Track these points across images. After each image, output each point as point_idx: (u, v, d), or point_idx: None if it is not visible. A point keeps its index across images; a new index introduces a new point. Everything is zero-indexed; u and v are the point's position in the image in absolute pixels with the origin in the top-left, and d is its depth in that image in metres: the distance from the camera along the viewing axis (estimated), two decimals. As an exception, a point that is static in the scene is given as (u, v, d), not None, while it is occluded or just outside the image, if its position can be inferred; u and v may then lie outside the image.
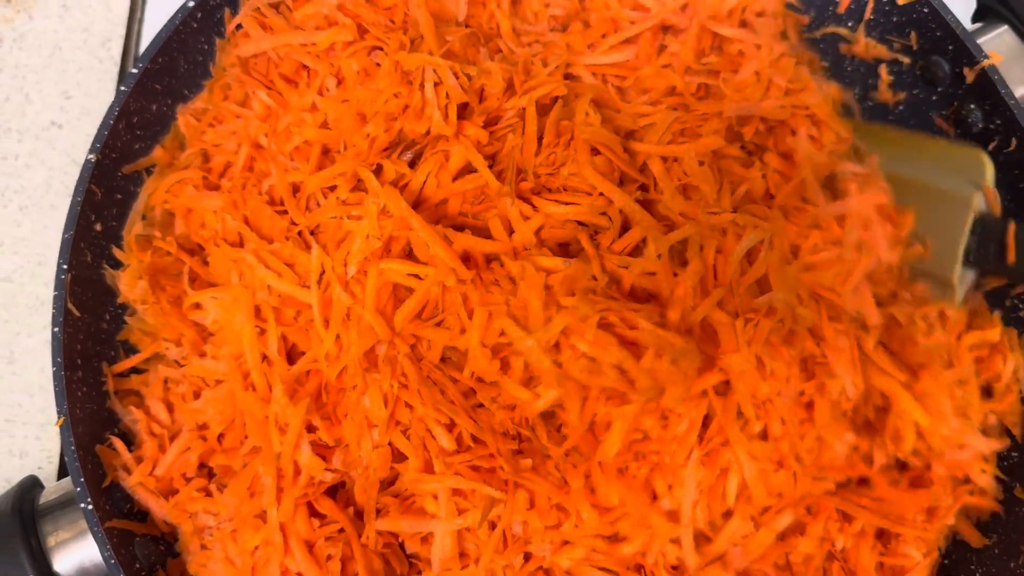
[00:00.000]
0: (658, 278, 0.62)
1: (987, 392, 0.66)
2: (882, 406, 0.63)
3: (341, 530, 0.61)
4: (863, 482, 0.64)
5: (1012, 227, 0.63)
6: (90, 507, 0.60)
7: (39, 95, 0.86)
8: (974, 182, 0.66)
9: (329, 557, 0.60)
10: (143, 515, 0.65)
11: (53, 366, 0.63)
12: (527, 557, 0.62)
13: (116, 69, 0.88)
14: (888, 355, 0.63)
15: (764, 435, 0.61)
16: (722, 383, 0.61)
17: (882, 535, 0.65)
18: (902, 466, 0.65)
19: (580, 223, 0.66)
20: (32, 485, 0.66)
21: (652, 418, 0.60)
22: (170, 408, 0.67)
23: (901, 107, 0.77)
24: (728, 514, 0.61)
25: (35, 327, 0.80)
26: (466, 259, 0.64)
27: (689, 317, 0.61)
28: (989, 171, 0.66)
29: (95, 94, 0.87)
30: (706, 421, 0.61)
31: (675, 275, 0.62)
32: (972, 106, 0.72)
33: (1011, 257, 0.63)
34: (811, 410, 0.61)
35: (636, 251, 0.65)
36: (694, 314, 0.61)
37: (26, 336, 0.80)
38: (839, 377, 0.60)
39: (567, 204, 0.65)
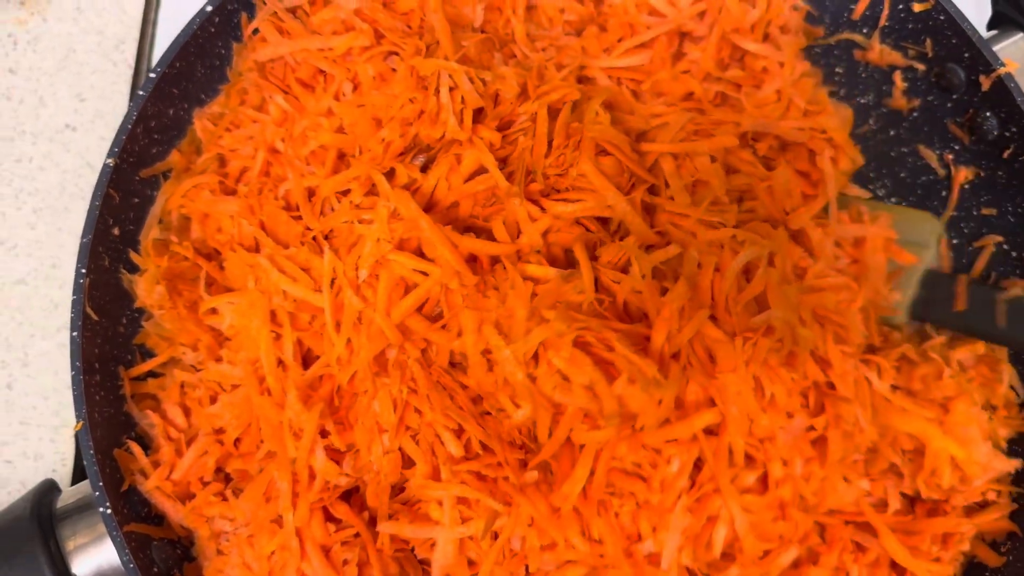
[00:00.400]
0: (644, 297, 0.61)
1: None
2: (912, 448, 0.63)
3: (357, 535, 0.61)
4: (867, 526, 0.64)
5: (963, 278, 0.69)
6: (108, 511, 0.60)
7: (53, 98, 0.86)
8: (928, 238, 0.70)
9: (345, 562, 0.60)
10: (160, 519, 0.66)
11: (72, 370, 0.63)
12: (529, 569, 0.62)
13: (130, 72, 0.88)
14: (908, 396, 0.63)
15: (764, 478, 0.60)
16: (717, 424, 0.59)
17: (897, 565, 0.64)
18: (912, 502, 0.65)
19: (588, 230, 0.66)
20: (49, 489, 0.66)
21: (631, 448, 0.58)
22: (187, 412, 0.67)
23: (915, 114, 0.77)
24: (728, 556, 0.60)
25: (49, 330, 0.80)
26: (474, 260, 0.64)
27: (675, 339, 0.60)
28: (940, 230, 0.72)
29: (109, 97, 0.87)
30: (699, 463, 0.59)
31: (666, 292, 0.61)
32: (987, 113, 0.73)
33: (960, 305, 0.67)
34: (821, 447, 0.60)
35: (630, 263, 0.64)
36: (680, 336, 0.60)
37: (40, 339, 0.80)
38: (852, 403, 0.60)
39: (574, 202, 0.65)
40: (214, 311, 0.67)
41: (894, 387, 0.63)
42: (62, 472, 0.77)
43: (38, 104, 0.86)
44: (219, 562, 0.63)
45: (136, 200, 0.70)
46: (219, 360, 0.66)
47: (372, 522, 0.62)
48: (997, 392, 0.65)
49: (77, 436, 0.62)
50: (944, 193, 0.77)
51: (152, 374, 0.69)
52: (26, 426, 0.78)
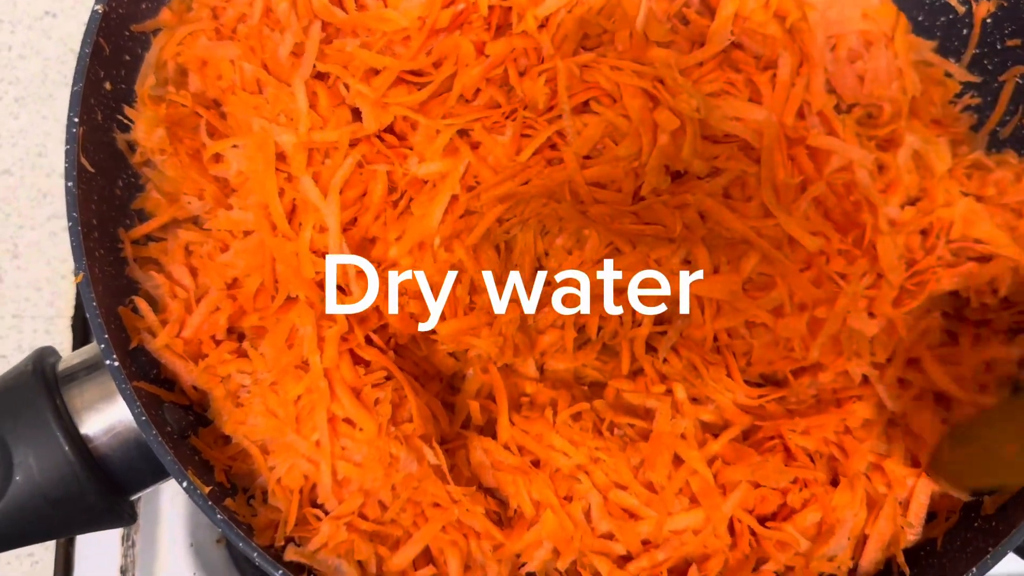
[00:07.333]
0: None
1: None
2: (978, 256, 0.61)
3: (388, 377, 0.58)
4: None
5: None
6: (116, 363, 0.56)
7: (30, -15, 0.82)
8: None
9: (377, 402, 0.56)
10: (170, 384, 0.61)
11: (68, 221, 0.58)
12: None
13: (111, -45, 0.83)
14: (979, 204, 0.61)
15: None
16: None
17: (941, 399, 0.62)
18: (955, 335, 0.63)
19: None
20: (49, 352, 0.61)
21: None
22: (194, 274, 0.63)
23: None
24: None
25: (38, 219, 0.76)
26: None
27: None
28: None
29: (90, -18, 0.83)
30: None
31: None
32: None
33: None
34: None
35: None
36: None
37: (29, 229, 0.76)
38: None
39: None
40: (218, 159, 0.63)
41: (964, 193, 0.60)
42: (60, 365, 0.73)
43: (14, -8, 0.82)
44: (239, 414, 0.59)
45: (127, 58, 0.66)
46: (228, 208, 0.62)
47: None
48: None
49: (78, 290, 0.57)
50: (965, 32, 0.74)
51: (152, 240, 0.65)
52: (19, 319, 0.74)
